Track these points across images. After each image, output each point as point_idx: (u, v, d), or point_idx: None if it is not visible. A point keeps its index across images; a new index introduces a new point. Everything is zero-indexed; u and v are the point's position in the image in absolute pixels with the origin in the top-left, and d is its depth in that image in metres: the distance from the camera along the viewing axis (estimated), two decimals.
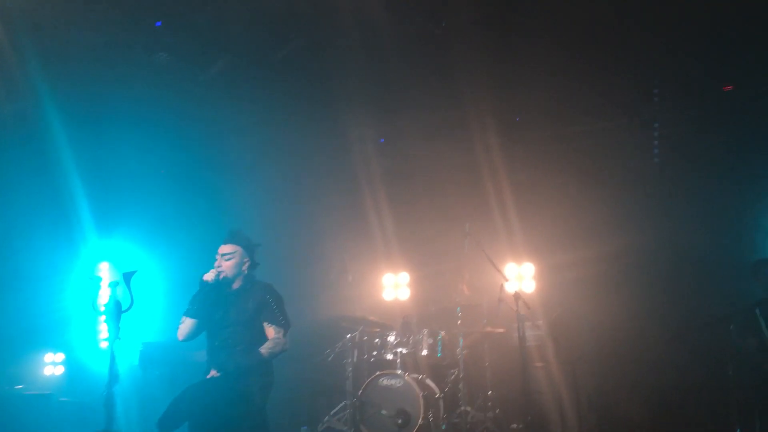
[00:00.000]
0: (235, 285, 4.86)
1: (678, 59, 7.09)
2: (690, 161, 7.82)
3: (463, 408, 7.01)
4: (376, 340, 7.48)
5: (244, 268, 4.88)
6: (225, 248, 4.86)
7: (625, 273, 7.70)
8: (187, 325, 4.80)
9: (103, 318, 8.46)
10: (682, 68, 7.24)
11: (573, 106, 8.07)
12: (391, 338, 7.36)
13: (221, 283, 4.77)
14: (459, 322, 7.29)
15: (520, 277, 7.97)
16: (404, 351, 7.21)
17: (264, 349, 4.69)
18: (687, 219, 7.72)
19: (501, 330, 7.37)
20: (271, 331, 4.79)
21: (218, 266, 4.79)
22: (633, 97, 7.88)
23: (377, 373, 7.03)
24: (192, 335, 4.84)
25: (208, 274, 4.74)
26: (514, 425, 7.13)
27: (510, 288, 6.96)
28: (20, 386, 8.09)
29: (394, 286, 8.75)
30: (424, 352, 7.25)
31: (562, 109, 8.14)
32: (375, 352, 7.43)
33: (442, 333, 7.35)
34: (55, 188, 8.15)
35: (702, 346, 6.82)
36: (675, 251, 7.63)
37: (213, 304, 4.76)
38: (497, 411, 7.26)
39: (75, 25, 6.39)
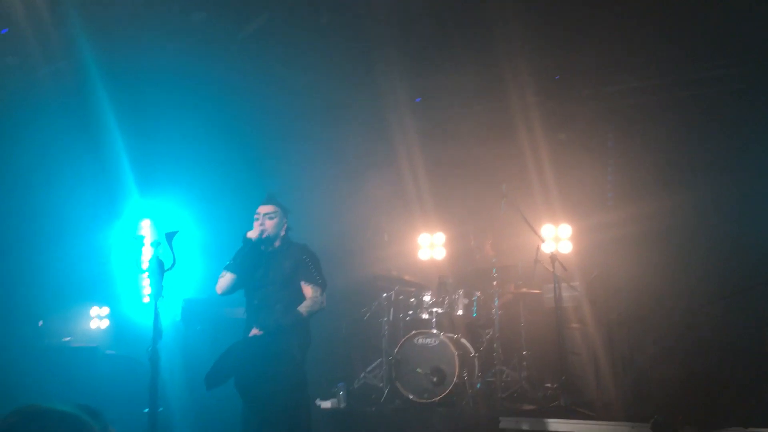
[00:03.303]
0: (275, 245, 4.95)
1: (720, 16, 6.85)
2: (732, 121, 7.63)
3: (497, 367, 7.08)
4: (412, 299, 7.55)
5: (283, 230, 4.97)
6: (266, 208, 4.94)
7: (664, 234, 7.60)
8: (226, 279, 4.90)
9: (146, 275, 8.68)
10: (723, 25, 7.00)
11: (613, 65, 7.89)
12: (427, 298, 7.42)
13: (263, 242, 4.86)
14: (495, 282, 7.32)
15: (557, 238, 7.93)
16: (440, 311, 7.28)
17: (302, 308, 4.78)
18: (729, 179, 7.56)
19: (536, 291, 7.38)
20: (308, 290, 4.87)
21: (261, 225, 4.87)
22: (673, 56, 7.67)
23: (413, 332, 7.12)
24: (230, 290, 4.96)
25: (252, 231, 4.84)
26: (548, 384, 7.19)
27: (546, 249, 6.94)
28: (68, 338, 8.39)
29: (430, 246, 8.78)
30: (460, 312, 7.31)
31: (602, 68, 7.97)
32: (410, 312, 7.51)
33: (478, 293, 7.39)
34: (98, 146, 8.29)
35: (742, 309, 6.75)
36: (717, 211, 7.51)
37: (253, 262, 4.85)
38: (532, 371, 7.31)
39: None
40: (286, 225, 5.01)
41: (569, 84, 8.36)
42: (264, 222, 4.89)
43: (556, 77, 8.31)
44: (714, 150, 7.72)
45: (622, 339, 7.19)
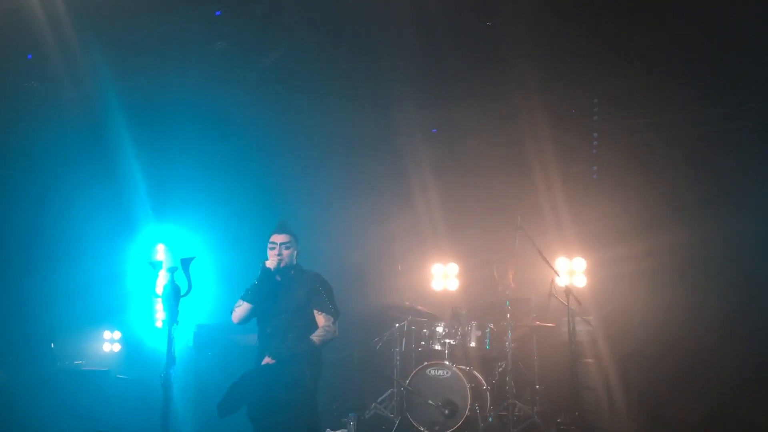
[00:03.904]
0: (290, 274, 4.97)
1: (734, 54, 6.89)
2: (751, 156, 7.61)
3: (510, 401, 7.00)
4: (425, 330, 7.51)
5: (295, 258, 4.98)
6: (281, 237, 4.94)
7: (679, 268, 7.53)
8: (243, 308, 4.92)
9: (160, 300, 8.71)
10: (738, 62, 7.03)
11: (628, 100, 7.92)
12: (440, 329, 7.38)
13: (280, 271, 4.87)
14: (508, 315, 7.27)
15: (571, 271, 7.88)
16: (452, 342, 7.23)
17: (315, 337, 4.78)
18: (746, 214, 7.51)
19: (550, 324, 7.32)
20: (321, 318, 4.87)
21: (278, 254, 4.88)
22: (688, 92, 7.69)
23: (425, 363, 7.07)
24: (246, 319, 4.97)
25: (269, 261, 4.85)
26: (561, 419, 7.09)
27: (561, 283, 6.90)
28: (80, 361, 8.40)
29: (443, 276, 8.74)
30: (473, 344, 7.26)
31: (617, 102, 8.00)
32: (423, 342, 7.47)
33: (491, 325, 7.34)
34: (116, 171, 8.40)
35: (761, 344, 6.66)
36: (732, 246, 7.44)
37: (268, 291, 4.86)
38: (544, 405, 7.22)
39: (137, 13, 6.54)
40: (297, 252, 5.03)
41: (584, 118, 8.38)
42: (281, 252, 4.90)
43: (573, 111, 8.35)
44: (731, 185, 7.69)
45: (637, 374, 7.10)
